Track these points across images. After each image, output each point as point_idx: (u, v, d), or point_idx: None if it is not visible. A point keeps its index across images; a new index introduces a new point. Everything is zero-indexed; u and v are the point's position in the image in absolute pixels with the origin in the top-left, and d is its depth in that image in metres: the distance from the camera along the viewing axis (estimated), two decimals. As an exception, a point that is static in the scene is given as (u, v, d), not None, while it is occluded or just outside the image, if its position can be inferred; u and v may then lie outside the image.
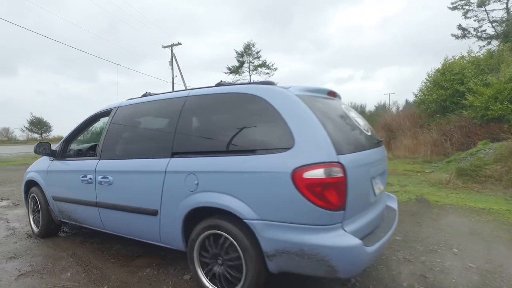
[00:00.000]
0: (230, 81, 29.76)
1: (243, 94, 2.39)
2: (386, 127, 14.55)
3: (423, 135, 12.20)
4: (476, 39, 20.28)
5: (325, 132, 1.99)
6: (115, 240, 3.59)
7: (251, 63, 30.01)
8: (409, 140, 12.55)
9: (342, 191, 1.92)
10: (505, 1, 19.03)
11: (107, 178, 2.93)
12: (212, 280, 2.33)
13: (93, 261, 3.08)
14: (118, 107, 3.27)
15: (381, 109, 25.41)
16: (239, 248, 2.14)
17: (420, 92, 14.69)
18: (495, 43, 18.57)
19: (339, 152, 1.96)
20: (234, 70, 29.93)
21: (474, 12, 19.93)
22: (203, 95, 2.64)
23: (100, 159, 3.10)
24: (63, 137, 3.80)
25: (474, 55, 13.59)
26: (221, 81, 2.81)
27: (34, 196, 3.87)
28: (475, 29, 20.30)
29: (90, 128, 4.01)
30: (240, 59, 29.76)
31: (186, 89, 2.88)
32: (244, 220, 2.08)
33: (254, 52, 29.64)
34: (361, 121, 2.69)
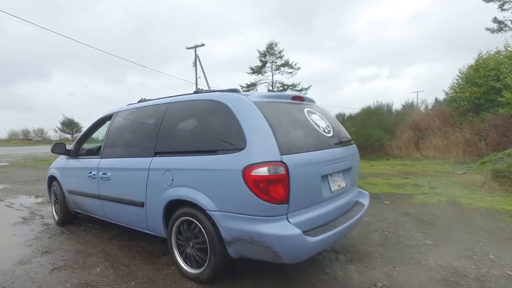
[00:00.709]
0: (253, 81, 29.89)
1: (211, 101, 2.71)
2: (414, 126, 14.02)
3: (455, 135, 11.65)
4: (514, 32, 19.06)
5: (272, 135, 2.27)
6: (142, 238, 3.68)
7: (273, 63, 29.90)
8: (439, 140, 12.03)
9: (285, 187, 2.18)
10: (546, -9, 17.76)
11: (106, 174, 3.39)
12: (185, 260, 2.72)
13: (120, 257, 3.17)
14: (118, 112, 3.75)
15: (409, 107, 24.47)
16: (205, 234, 2.47)
17: (451, 90, 14.03)
18: (534, 36, 17.39)
19: (283, 153, 2.23)
20: (257, 70, 29.94)
21: (511, 3, 18.75)
22: (181, 101, 3.02)
23: (101, 158, 3.58)
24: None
25: (511, 50, 12.80)
26: (198, 89, 3.14)
27: (54, 190, 4.43)
28: (512, 22, 19.07)
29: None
30: (263, 59, 29.72)
31: (170, 97, 3.21)
32: (207, 211, 2.40)
33: (276, 52, 29.50)
34: (323, 123, 2.91)
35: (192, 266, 2.65)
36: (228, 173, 2.30)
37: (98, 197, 3.52)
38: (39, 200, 5.99)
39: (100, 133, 4.13)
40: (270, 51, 29.53)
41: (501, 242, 3.34)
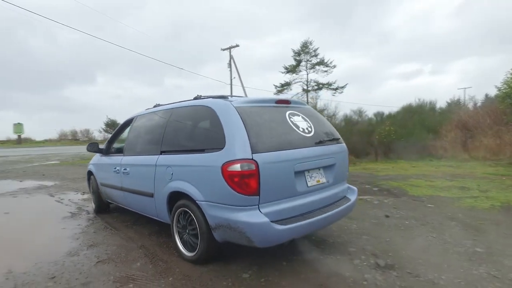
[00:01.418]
0: (287, 80, 29.69)
1: (203, 107, 3.12)
2: (461, 125, 13.11)
3: (509, 134, 10.70)
4: None
5: (246, 136, 2.59)
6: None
7: (308, 62, 29.45)
8: (491, 139, 11.14)
9: (256, 181, 2.50)
10: None
11: (126, 169, 3.96)
12: (183, 244, 3.12)
13: (159, 253, 3.27)
14: (137, 116, 4.31)
15: (455, 105, 22.92)
16: (196, 221, 2.86)
17: (505, 85, 12.87)
18: None
19: (255, 151, 2.54)
20: (291, 70, 29.67)
21: None
22: (181, 107, 3.47)
23: (124, 155, 4.15)
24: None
25: None
26: (197, 95, 3.46)
27: (91, 182, 5.13)
28: None
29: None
30: (297, 58, 29.37)
31: (176, 102, 3.69)
32: (196, 201, 2.80)
33: (311, 50, 29.01)
34: (304, 124, 3.15)
35: (189, 250, 3.04)
36: (211, 169, 2.67)
37: (121, 188, 4.11)
38: (85, 196, 6.39)
39: (124, 134, 4.60)
40: (304, 49, 29.14)
41: None
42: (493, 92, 17.52)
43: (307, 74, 29.48)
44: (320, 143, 3.14)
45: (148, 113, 4.08)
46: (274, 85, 30.18)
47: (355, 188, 3.58)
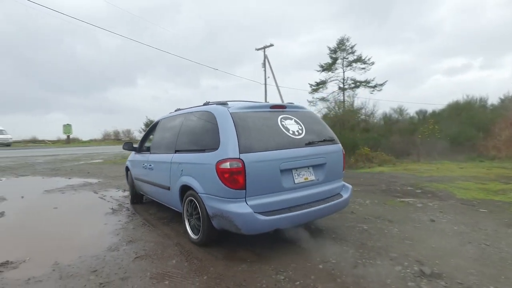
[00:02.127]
0: (323, 78, 29.09)
1: (206, 112, 3.54)
2: (516, 123, 11.97)
3: None
4: None
5: (236, 139, 2.96)
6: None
7: (344, 59, 28.65)
8: (552, 138, 10.03)
9: (242, 177, 2.87)
10: None
11: (151, 165, 4.56)
12: (191, 229, 3.58)
13: (194, 251, 3.29)
14: (162, 119, 4.91)
15: (510, 101, 21.01)
16: (199, 209, 3.29)
17: None
18: None
19: (242, 152, 2.91)
20: (327, 68, 29.03)
21: None
22: (192, 112, 3.94)
23: (150, 153, 4.78)
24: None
25: None
26: (207, 101, 3.82)
27: (128, 176, 5.81)
28: None
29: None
30: (333, 56, 28.67)
31: (190, 107, 4.16)
32: (198, 194, 3.25)
33: (348, 47, 28.17)
34: (295, 127, 3.43)
35: (195, 234, 3.50)
36: (208, 166, 3.08)
37: (148, 182, 4.72)
38: (125, 193, 6.66)
39: (152, 134, 5.24)
40: (341, 47, 28.38)
41: None
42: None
43: (344, 72, 28.71)
44: (310, 144, 3.41)
45: (169, 117, 4.66)
46: (309, 84, 29.73)
47: (349, 185, 3.79)
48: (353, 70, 28.66)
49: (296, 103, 3.86)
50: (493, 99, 22.66)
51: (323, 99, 27.28)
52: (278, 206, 3.04)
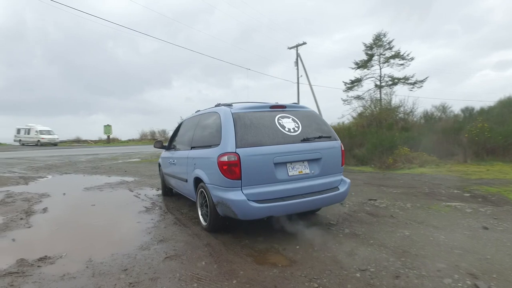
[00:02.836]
0: (358, 76, 28.13)
1: (214, 112, 4.02)
2: None
3: None
4: None
5: (234, 136, 3.37)
6: (243, 235, 3.70)
7: (381, 55, 27.49)
8: None
9: (238, 169, 3.26)
10: None
11: (174, 161, 5.18)
12: (202, 216, 4.04)
13: (224, 253, 3.20)
14: (185, 119, 5.55)
15: None
16: (207, 199, 3.70)
17: None
18: None
19: (238, 147, 3.31)
20: (362, 65, 28.04)
21: None
22: (205, 113, 4.46)
23: (175, 150, 5.37)
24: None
25: None
26: (218, 103, 4.20)
27: (160, 172, 6.50)
28: None
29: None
30: (369, 52, 27.61)
31: (206, 109, 4.62)
32: (205, 184, 3.69)
33: (385, 43, 27.02)
34: (291, 125, 3.73)
35: (205, 221, 3.93)
36: (212, 160, 3.49)
37: (173, 176, 5.29)
38: (159, 192, 6.77)
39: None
40: (377, 43, 27.30)
41: None
42: None
43: (380, 69, 27.65)
44: (305, 140, 3.67)
45: (190, 117, 5.25)
46: (343, 82, 28.97)
47: (348, 180, 3.99)
48: (391, 67, 27.51)
49: (293, 104, 4.17)
50: (551, 94, 20.52)
51: (358, 97, 26.39)
52: (271, 195, 3.36)
